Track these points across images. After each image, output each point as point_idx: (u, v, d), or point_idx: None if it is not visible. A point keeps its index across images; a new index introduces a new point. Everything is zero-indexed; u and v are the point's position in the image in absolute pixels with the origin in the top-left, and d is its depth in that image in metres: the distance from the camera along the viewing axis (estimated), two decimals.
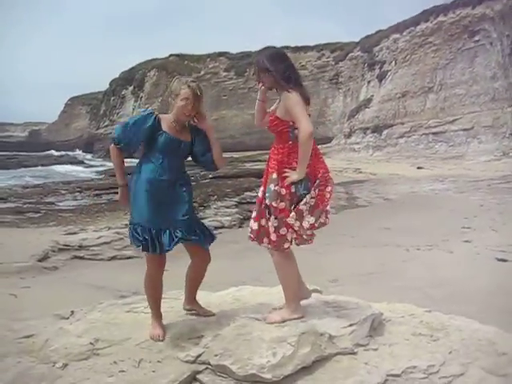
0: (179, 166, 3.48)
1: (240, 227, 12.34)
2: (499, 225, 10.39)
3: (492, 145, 29.04)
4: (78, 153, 65.69)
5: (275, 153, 3.36)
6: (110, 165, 43.67)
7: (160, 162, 3.38)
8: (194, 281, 3.61)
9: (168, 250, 3.35)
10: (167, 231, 3.31)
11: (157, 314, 3.42)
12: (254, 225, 3.37)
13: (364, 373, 2.86)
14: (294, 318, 3.31)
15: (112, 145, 3.47)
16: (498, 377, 2.92)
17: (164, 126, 3.43)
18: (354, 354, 3.04)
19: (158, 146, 3.40)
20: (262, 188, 3.43)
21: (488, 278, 6.49)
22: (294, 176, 3.22)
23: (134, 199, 3.42)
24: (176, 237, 3.31)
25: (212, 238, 3.53)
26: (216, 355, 2.97)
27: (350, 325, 3.23)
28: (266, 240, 3.34)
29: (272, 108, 3.47)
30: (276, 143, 3.38)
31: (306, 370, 2.90)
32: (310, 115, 3.27)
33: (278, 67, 3.30)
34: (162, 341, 3.23)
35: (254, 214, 3.41)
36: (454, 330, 3.39)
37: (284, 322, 3.27)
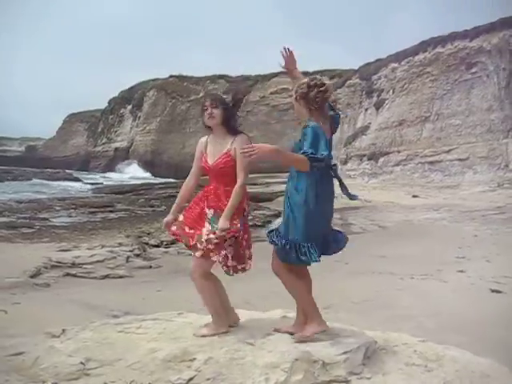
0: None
1: None
2: (493, 255, 10.39)
3: (487, 176, 29.21)
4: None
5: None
6: (107, 183, 43.76)
7: None
8: None
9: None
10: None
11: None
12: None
13: None
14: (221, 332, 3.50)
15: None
16: None
17: None
18: (348, 382, 3.01)
19: None
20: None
21: (482, 309, 6.46)
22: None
23: None
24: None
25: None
26: (208, 379, 2.94)
27: (344, 352, 3.20)
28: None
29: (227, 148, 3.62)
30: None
31: None
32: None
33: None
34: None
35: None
36: (447, 361, 3.36)
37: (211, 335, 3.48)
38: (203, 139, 3.77)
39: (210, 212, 3.55)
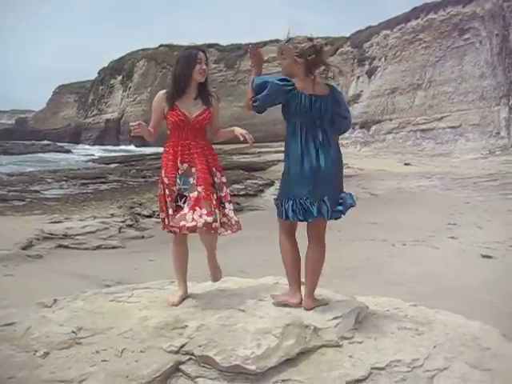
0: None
1: None
2: (484, 222, 10.46)
3: (479, 143, 29.26)
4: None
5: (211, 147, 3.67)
6: (98, 155, 43.55)
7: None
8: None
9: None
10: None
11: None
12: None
13: (349, 365, 2.85)
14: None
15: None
16: (482, 371, 2.92)
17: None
18: (339, 346, 3.02)
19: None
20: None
21: (473, 275, 6.53)
22: None
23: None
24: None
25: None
26: (200, 346, 2.94)
27: (336, 317, 3.22)
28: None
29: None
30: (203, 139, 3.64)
31: (291, 361, 2.88)
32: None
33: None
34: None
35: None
36: (438, 325, 3.39)
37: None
38: (163, 93, 3.74)
39: (217, 174, 3.64)
